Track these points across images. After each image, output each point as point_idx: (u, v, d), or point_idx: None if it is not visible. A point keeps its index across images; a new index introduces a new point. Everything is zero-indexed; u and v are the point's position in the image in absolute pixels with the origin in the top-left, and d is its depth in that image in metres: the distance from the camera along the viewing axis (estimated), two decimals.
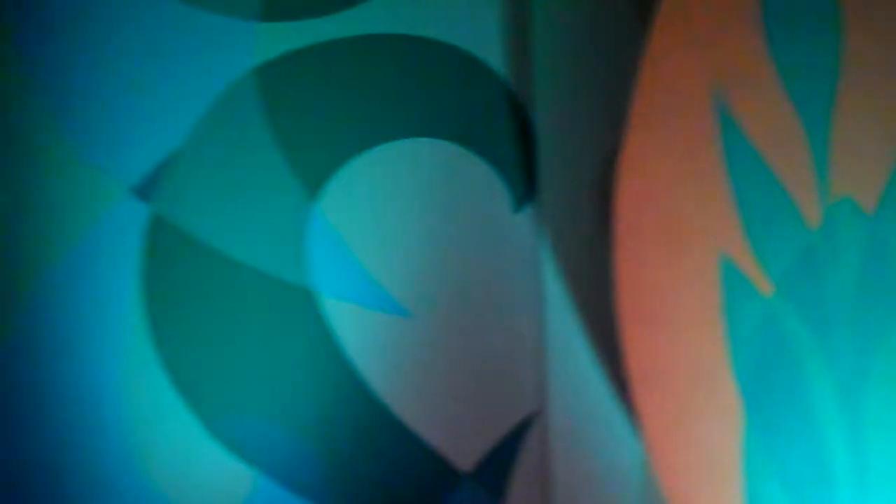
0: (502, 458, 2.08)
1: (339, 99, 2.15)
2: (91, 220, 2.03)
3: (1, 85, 2.13)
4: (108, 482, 1.94)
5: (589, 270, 2.11)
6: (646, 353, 1.84)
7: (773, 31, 1.89)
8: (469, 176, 2.18)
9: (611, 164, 2.05)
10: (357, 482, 2.00)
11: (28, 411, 1.97)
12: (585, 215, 2.14)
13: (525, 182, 2.19)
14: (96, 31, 2.13)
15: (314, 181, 2.09)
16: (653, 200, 1.88)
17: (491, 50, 2.23)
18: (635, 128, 1.90)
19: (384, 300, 2.08)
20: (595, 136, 2.15)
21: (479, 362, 2.12)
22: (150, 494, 1.93)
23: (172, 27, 2.12)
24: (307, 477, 1.98)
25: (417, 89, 2.19)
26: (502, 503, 2.07)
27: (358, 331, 2.06)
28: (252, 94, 2.11)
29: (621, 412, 2.02)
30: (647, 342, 1.84)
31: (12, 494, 1.95)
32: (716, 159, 1.86)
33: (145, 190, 2.04)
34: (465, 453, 2.06)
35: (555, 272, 2.13)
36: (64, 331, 1.99)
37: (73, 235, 2.03)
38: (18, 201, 2.07)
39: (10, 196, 2.08)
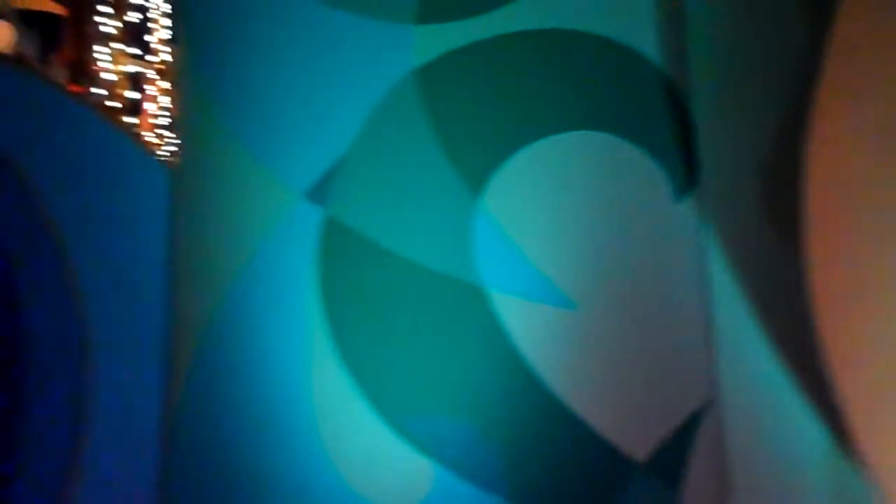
0: (676, 448, 1.97)
1: (498, 96, 2.08)
2: (269, 225, 2.03)
3: (187, 102, 2.17)
4: (302, 477, 1.93)
5: (758, 256, 1.97)
6: (848, 340, 1.70)
7: None
8: (628, 166, 2.08)
9: (779, 148, 1.92)
10: (534, 474, 1.93)
11: (225, 412, 1.98)
12: (752, 200, 2.00)
13: (685, 171, 2.07)
14: (265, 45, 2.13)
15: (477, 178, 2.03)
16: (849, 188, 1.73)
17: (644, 39, 2.12)
18: (823, 114, 1.75)
19: (551, 293, 2.00)
20: (759, 120, 2.01)
21: (648, 352, 2.02)
22: (340, 487, 1.91)
23: (334, 36, 2.11)
24: (486, 469, 1.92)
25: (574, 82, 2.10)
26: (678, 493, 1.96)
27: (527, 324, 1.98)
28: (413, 95, 2.06)
29: (801, 399, 1.87)
30: (849, 329, 1.70)
31: (217, 488, 1.96)
32: None
33: (318, 194, 2.02)
34: (638, 444, 1.96)
35: (721, 259, 2.01)
36: (252, 334, 1.99)
37: (254, 240, 2.03)
38: (205, 210, 2.09)
39: (197, 205, 2.10)
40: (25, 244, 2.05)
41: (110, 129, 2.39)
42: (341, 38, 2.09)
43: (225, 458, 1.96)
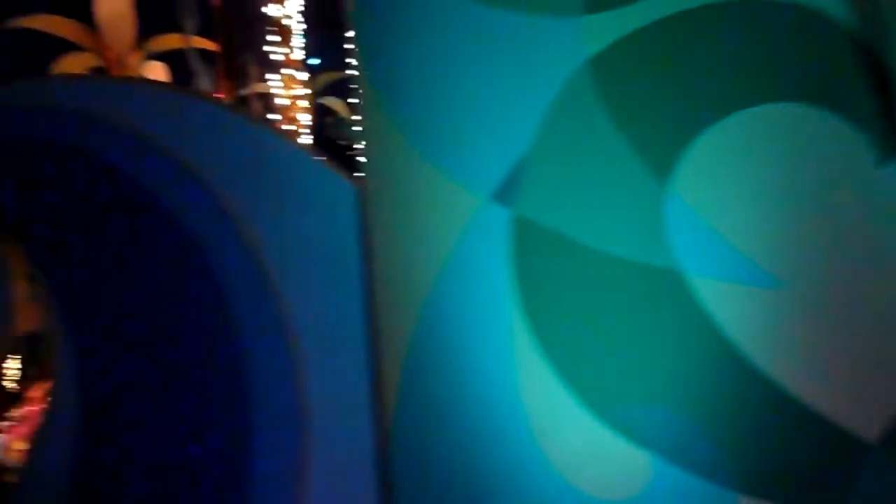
0: None
1: (677, 76, 1.96)
2: (460, 230, 1.99)
3: (367, 119, 2.16)
4: (519, 474, 1.88)
5: None
6: None
7: None
8: (824, 134, 1.91)
9: None
10: (759, 461, 1.80)
11: (438, 417, 1.96)
12: None
13: (888, 135, 1.88)
14: (436, 54, 2.10)
15: (664, 162, 1.91)
16: None
17: (833, 1, 1.93)
18: None
19: (753, 273, 1.85)
20: None
21: (865, 326, 1.84)
22: (556, 481, 1.85)
23: (503, 37, 2.04)
24: (707, 458, 1.80)
25: (758, 54, 1.95)
26: None
27: (731, 307, 1.85)
28: (588, 86, 1.97)
29: None
30: None
31: (437, 489, 1.94)
32: None
33: (504, 195, 1.96)
34: (867, 424, 1.79)
35: None
36: (455, 339, 1.96)
37: (447, 247, 1.99)
38: (396, 223, 2.07)
39: (388, 219, 2.09)
40: (238, 273, 2.10)
41: (299, 152, 2.42)
42: (510, 38, 2.03)
43: (443, 461, 1.94)
